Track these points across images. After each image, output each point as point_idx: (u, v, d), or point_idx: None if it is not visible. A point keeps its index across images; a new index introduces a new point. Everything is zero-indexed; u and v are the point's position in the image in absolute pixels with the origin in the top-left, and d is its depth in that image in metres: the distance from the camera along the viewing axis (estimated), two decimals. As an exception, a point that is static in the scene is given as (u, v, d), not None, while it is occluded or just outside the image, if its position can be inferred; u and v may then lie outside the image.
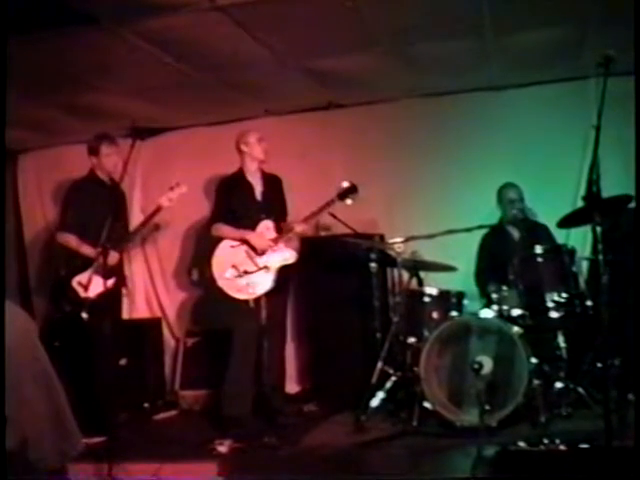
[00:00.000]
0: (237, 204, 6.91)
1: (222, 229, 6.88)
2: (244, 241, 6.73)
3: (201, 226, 8.34)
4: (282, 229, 6.78)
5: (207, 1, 5.62)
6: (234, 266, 6.71)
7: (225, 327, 6.92)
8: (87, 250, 6.66)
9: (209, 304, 8.05)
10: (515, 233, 7.41)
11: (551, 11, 6.23)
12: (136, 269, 9.04)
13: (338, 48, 6.84)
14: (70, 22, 5.69)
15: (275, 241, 6.70)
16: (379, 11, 6.05)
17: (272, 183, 7.06)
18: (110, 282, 6.41)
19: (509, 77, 7.94)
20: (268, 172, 7.10)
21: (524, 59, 7.34)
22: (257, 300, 6.65)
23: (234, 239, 6.79)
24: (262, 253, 6.68)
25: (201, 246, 7.53)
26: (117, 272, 6.84)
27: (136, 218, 8.17)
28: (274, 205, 6.96)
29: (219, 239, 6.88)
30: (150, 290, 9.15)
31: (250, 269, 6.67)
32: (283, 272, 6.75)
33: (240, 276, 6.66)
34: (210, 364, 7.76)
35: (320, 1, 5.78)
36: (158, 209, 6.94)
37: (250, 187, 6.95)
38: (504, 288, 6.52)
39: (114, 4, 5.59)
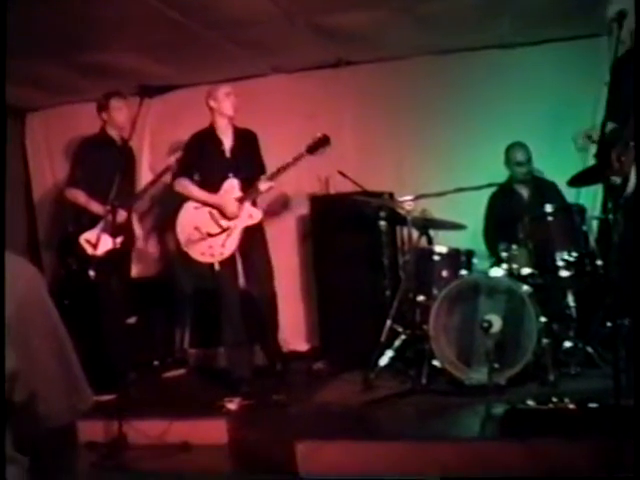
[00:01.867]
0: (204, 161, 6.76)
1: (187, 186, 6.75)
2: (209, 204, 6.63)
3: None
4: (248, 188, 6.61)
5: (215, -44, 5.58)
6: (197, 228, 6.63)
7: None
8: (95, 207, 6.67)
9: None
10: (524, 192, 7.39)
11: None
12: (147, 228, 9.03)
13: (347, 4, 6.79)
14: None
15: (240, 200, 6.56)
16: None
17: (244, 139, 6.86)
18: (118, 240, 6.42)
19: (520, 35, 7.87)
20: (241, 127, 6.92)
21: (535, 16, 7.28)
22: (224, 262, 6.58)
23: (198, 201, 6.69)
24: (231, 217, 6.55)
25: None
26: (126, 230, 6.85)
27: (145, 177, 8.16)
28: (245, 162, 6.74)
29: (184, 199, 6.78)
30: (160, 249, 9.15)
31: (213, 231, 6.58)
32: (249, 232, 6.62)
33: (203, 239, 6.58)
34: (219, 321, 7.78)
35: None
36: (167, 168, 6.93)
37: (219, 143, 6.78)
38: (514, 247, 6.51)
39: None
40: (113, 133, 6.98)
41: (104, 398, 5.83)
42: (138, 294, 7.84)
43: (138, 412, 5.74)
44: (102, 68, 7.85)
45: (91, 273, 6.39)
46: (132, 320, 7.63)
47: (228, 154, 6.76)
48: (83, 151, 7.10)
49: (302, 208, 8.29)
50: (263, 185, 6.55)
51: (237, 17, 6.88)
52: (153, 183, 7.18)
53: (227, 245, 6.54)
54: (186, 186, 6.74)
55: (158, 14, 6.56)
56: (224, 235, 6.56)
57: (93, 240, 6.53)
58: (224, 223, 6.57)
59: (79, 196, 6.82)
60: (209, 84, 8.22)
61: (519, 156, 7.29)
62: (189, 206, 6.73)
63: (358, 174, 7.21)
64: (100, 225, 6.59)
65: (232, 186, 6.61)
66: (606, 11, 4.97)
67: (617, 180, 4.79)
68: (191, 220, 6.68)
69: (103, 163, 6.72)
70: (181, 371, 8.00)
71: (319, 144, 6.57)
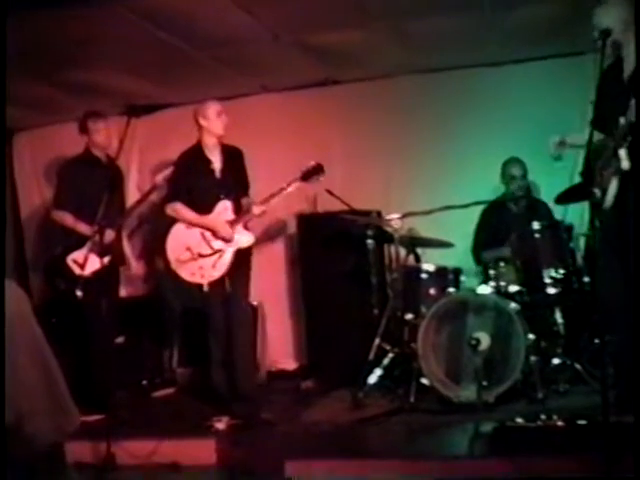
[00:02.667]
0: (194, 182, 6.66)
1: (179, 210, 6.62)
2: (203, 226, 6.55)
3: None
4: (241, 210, 6.54)
5: (202, -24, 5.60)
6: (188, 248, 6.54)
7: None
8: (83, 228, 6.67)
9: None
10: (514, 209, 7.41)
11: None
12: (135, 247, 9.02)
13: (334, 24, 6.82)
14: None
15: (233, 224, 6.47)
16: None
17: (232, 157, 6.76)
18: (106, 260, 6.43)
19: (507, 53, 7.91)
20: (228, 145, 6.81)
21: (522, 34, 7.32)
22: (213, 284, 6.48)
23: (191, 224, 6.59)
24: (225, 240, 6.47)
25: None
26: (114, 250, 6.84)
27: (133, 196, 8.15)
28: (234, 181, 6.67)
29: (175, 219, 6.70)
30: (148, 268, 9.13)
31: (204, 252, 6.50)
32: (239, 255, 6.52)
33: (194, 259, 6.51)
34: (206, 341, 7.77)
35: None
36: (154, 187, 6.93)
37: (208, 162, 6.67)
38: (501, 264, 6.54)
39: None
40: (98, 152, 6.98)
41: (92, 418, 5.83)
42: (126, 314, 7.83)
43: (127, 432, 5.71)
44: (90, 87, 7.86)
45: (79, 293, 6.37)
46: (120, 340, 7.62)
47: (218, 174, 6.66)
48: (68, 172, 7.10)
49: (290, 227, 8.30)
50: (256, 209, 6.46)
51: (225, 37, 6.90)
52: (140, 202, 7.17)
53: (218, 267, 6.45)
54: (178, 210, 6.63)
55: (146, 34, 6.58)
56: (215, 256, 6.48)
57: (80, 260, 6.50)
58: (216, 245, 6.49)
59: (66, 218, 6.81)
60: (197, 103, 8.26)
61: (515, 170, 7.32)
62: (180, 226, 6.64)
63: (346, 192, 7.22)
64: (88, 245, 6.57)
65: (225, 208, 6.53)
66: (591, 29, 5.02)
67: (598, 193, 4.83)
68: (182, 240, 6.60)
69: (89, 183, 6.73)
70: (170, 390, 7.97)
71: (313, 172, 6.50)
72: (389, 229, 6.87)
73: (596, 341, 6.11)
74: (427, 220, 6.82)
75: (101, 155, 6.99)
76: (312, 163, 6.52)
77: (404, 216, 6.79)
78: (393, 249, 7.55)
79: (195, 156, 6.73)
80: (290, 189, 6.49)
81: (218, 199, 6.55)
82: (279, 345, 8.41)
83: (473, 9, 6.64)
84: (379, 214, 7.60)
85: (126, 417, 6.33)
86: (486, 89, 8.15)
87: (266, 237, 8.08)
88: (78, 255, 6.60)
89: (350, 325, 7.50)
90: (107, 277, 6.68)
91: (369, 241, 7.38)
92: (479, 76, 8.21)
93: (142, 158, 9.06)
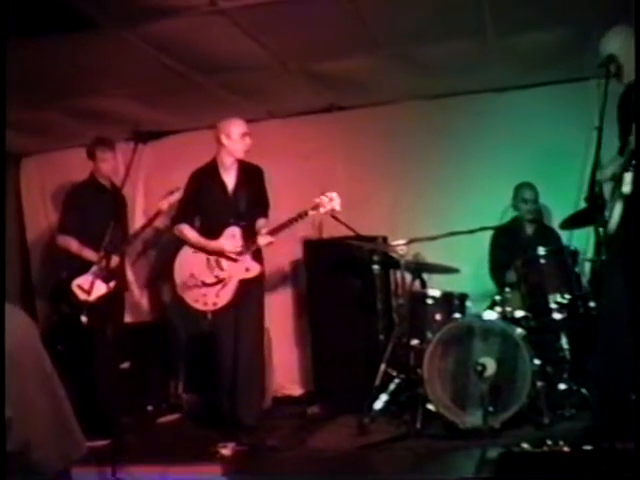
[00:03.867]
0: (205, 203, 6.60)
1: (185, 232, 6.58)
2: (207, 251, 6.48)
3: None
4: (252, 235, 6.42)
5: (208, 4, 5.63)
6: (192, 275, 6.47)
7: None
8: (88, 253, 6.68)
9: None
10: (523, 234, 7.42)
11: (552, 12, 6.24)
12: (140, 272, 9.04)
13: (339, 50, 6.85)
14: (72, 26, 5.70)
15: (239, 253, 6.39)
16: (380, 12, 6.06)
17: (250, 176, 6.64)
18: (111, 285, 6.45)
19: (510, 79, 7.94)
20: (247, 162, 6.70)
21: (525, 60, 7.36)
22: (216, 313, 6.45)
23: (196, 247, 6.53)
24: (227, 269, 6.40)
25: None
26: (118, 275, 6.86)
27: (139, 222, 8.17)
28: (249, 202, 6.55)
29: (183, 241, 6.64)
30: (154, 293, 9.14)
31: (208, 280, 6.43)
32: (245, 285, 6.44)
33: (197, 286, 6.44)
34: (213, 367, 7.76)
35: (321, 3, 5.79)
36: (158, 213, 6.93)
37: (221, 183, 6.59)
38: (507, 290, 6.55)
39: (116, 8, 5.60)
40: (103, 179, 7.01)
41: (98, 444, 5.81)
42: (132, 339, 7.85)
43: (132, 458, 5.70)
44: (97, 113, 7.90)
45: (84, 319, 6.36)
46: (126, 365, 7.61)
47: (231, 195, 6.58)
48: (73, 197, 7.13)
49: (296, 252, 8.30)
50: (262, 240, 6.36)
51: (231, 64, 6.94)
52: (144, 228, 7.18)
53: (221, 296, 6.40)
54: (185, 233, 6.58)
55: (153, 60, 6.63)
56: (219, 286, 6.42)
57: (86, 286, 6.50)
58: (220, 274, 6.43)
59: (71, 243, 6.83)
60: (204, 130, 8.28)
61: (527, 194, 7.37)
62: (188, 249, 6.59)
63: (351, 218, 7.21)
64: (93, 270, 6.58)
65: (233, 234, 6.44)
66: (597, 55, 5.06)
67: (606, 217, 4.86)
68: (188, 265, 6.54)
69: (93, 209, 6.77)
70: (175, 416, 7.95)
71: (326, 204, 6.42)
72: (395, 255, 6.87)
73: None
74: (433, 246, 6.84)
75: (106, 182, 7.02)
76: (326, 195, 6.46)
77: (410, 242, 6.80)
78: (399, 275, 7.53)
79: (208, 175, 6.64)
80: (299, 220, 6.41)
81: (228, 224, 6.46)
82: (285, 370, 8.40)
83: (477, 35, 6.67)
84: (385, 240, 7.60)
85: (132, 443, 6.33)
86: (491, 114, 8.17)
87: (272, 263, 8.07)
88: (83, 280, 6.61)
89: (356, 351, 7.49)
90: (112, 302, 6.70)
91: (375, 267, 7.40)
92: (484, 101, 8.24)
93: (148, 184, 9.09)
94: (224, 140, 6.52)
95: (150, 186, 9.05)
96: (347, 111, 8.63)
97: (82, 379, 6.54)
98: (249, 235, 6.46)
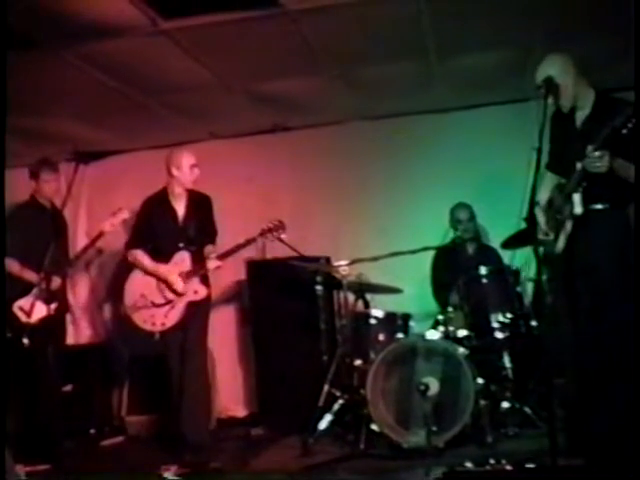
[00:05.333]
0: (156, 229, 6.65)
1: (137, 256, 6.61)
2: (157, 276, 6.53)
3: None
4: (200, 261, 6.48)
5: (151, 25, 5.63)
6: (143, 295, 6.51)
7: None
8: (29, 275, 6.59)
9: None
10: (464, 254, 7.48)
11: (494, 34, 6.33)
12: (81, 294, 8.96)
13: (283, 71, 6.89)
14: (14, 45, 5.66)
15: (187, 276, 6.43)
16: (323, 34, 6.10)
17: (198, 205, 6.71)
18: (52, 307, 6.37)
19: (453, 99, 8.03)
20: (195, 191, 6.75)
21: (468, 82, 7.45)
22: (164, 333, 6.45)
23: (147, 272, 6.57)
24: (176, 292, 6.44)
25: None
26: (59, 297, 6.78)
27: (81, 242, 8.10)
28: (198, 229, 6.61)
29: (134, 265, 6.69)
30: (96, 315, 9.06)
31: (157, 301, 6.47)
32: (193, 307, 6.47)
33: (147, 307, 6.48)
34: (157, 389, 7.70)
35: (264, 25, 5.81)
36: (100, 234, 6.85)
37: (172, 211, 6.64)
38: (449, 309, 6.58)
39: (57, 28, 5.57)
40: (43, 200, 6.91)
41: (39, 468, 5.74)
42: (75, 362, 7.76)
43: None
44: (38, 133, 7.86)
45: (25, 341, 6.28)
46: (68, 388, 7.53)
47: (181, 222, 6.62)
48: (13, 219, 7.01)
49: (239, 273, 8.28)
50: (211, 264, 6.43)
51: (174, 84, 6.93)
52: (87, 249, 7.10)
53: (170, 317, 6.42)
54: (137, 257, 6.61)
55: (94, 80, 6.61)
56: (168, 307, 6.45)
57: (27, 308, 6.42)
58: (169, 295, 6.46)
59: (12, 265, 6.73)
60: (146, 150, 8.25)
61: (461, 214, 7.43)
62: (138, 273, 6.63)
63: (295, 239, 7.20)
64: (34, 292, 6.50)
65: (182, 259, 6.49)
66: (534, 78, 5.16)
67: (550, 237, 4.93)
68: (138, 287, 6.57)
69: (34, 230, 6.67)
70: (119, 439, 7.87)
71: (273, 230, 6.48)
72: (338, 275, 6.88)
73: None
74: (376, 266, 6.83)
75: (47, 203, 6.93)
76: (274, 222, 6.50)
77: (352, 262, 6.81)
78: (342, 295, 7.56)
79: (159, 203, 6.69)
80: (248, 245, 6.50)
81: (178, 249, 6.51)
82: (229, 392, 8.36)
83: (420, 56, 6.75)
84: (328, 260, 7.62)
85: (74, 466, 6.25)
86: (434, 135, 8.25)
87: (215, 284, 8.04)
88: (24, 302, 6.52)
89: (299, 371, 7.46)
90: (53, 324, 6.61)
91: (318, 287, 7.39)
92: (427, 122, 8.31)
93: (90, 204, 9.02)
94: (174, 171, 6.58)
95: (92, 207, 8.99)
96: (291, 132, 8.65)
97: (23, 402, 6.46)
98: (198, 259, 6.51)
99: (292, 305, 7.67)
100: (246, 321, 8.28)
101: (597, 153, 4.63)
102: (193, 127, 8.34)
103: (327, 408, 6.57)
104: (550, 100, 5.03)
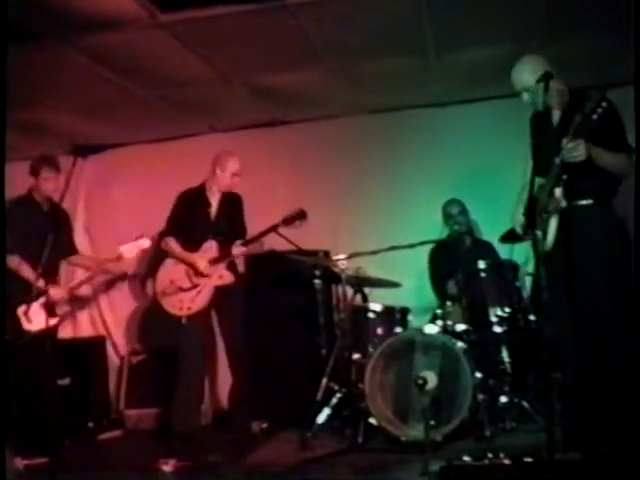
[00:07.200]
0: (191, 221, 6.89)
1: (170, 244, 6.86)
2: (186, 262, 6.76)
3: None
4: (224, 250, 6.72)
5: (150, 18, 5.63)
6: (172, 281, 6.76)
7: (170, 344, 6.89)
8: (26, 272, 6.47)
9: (154, 321, 7.95)
10: (461, 248, 7.47)
11: (491, 29, 6.33)
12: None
13: (282, 65, 6.89)
14: (11, 38, 5.65)
15: (213, 262, 6.68)
16: (323, 29, 6.09)
17: (230, 202, 6.99)
18: (53, 321, 6.39)
19: (451, 94, 8.02)
20: (230, 191, 7.00)
21: (466, 76, 7.44)
22: (191, 317, 6.66)
23: (177, 258, 6.81)
24: (202, 275, 6.68)
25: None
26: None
27: (80, 237, 8.11)
28: (227, 225, 6.88)
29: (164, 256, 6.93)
30: (94, 308, 9.06)
31: (185, 286, 6.72)
32: (220, 292, 6.73)
33: (175, 292, 6.71)
34: (155, 382, 7.72)
35: (263, 18, 5.80)
36: (119, 258, 6.75)
37: (207, 205, 6.90)
38: (448, 304, 6.58)
39: (56, 21, 5.57)
40: (39, 198, 6.78)
41: (37, 461, 5.74)
42: (73, 355, 7.76)
43: (72, 475, 5.64)
44: (37, 127, 7.84)
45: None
46: (66, 381, 7.52)
47: (213, 217, 6.90)
48: (9, 214, 6.83)
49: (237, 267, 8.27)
50: (236, 250, 6.68)
51: (173, 77, 6.93)
52: (85, 282, 7.10)
53: (196, 301, 6.66)
54: (170, 245, 6.86)
55: (94, 74, 6.60)
56: (194, 291, 6.69)
57: (30, 315, 6.34)
58: (196, 280, 6.71)
59: (12, 261, 6.58)
60: (145, 144, 8.24)
61: (452, 209, 7.44)
62: (170, 261, 6.88)
63: (293, 232, 7.20)
64: (40, 301, 6.37)
65: (210, 247, 6.75)
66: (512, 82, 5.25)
67: (539, 235, 4.92)
68: (168, 274, 6.83)
69: (30, 228, 6.52)
70: (117, 432, 7.87)
71: (295, 217, 6.68)
72: (336, 269, 6.88)
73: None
74: (374, 260, 6.83)
75: (42, 200, 6.77)
76: (297, 209, 6.70)
77: (351, 256, 6.82)
78: (340, 289, 7.56)
79: (196, 197, 6.96)
80: (271, 232, 6.73)
81: (207, 239, 6.77)
82: (228, 385, 8.35)
83: (418, 51, 6.74)
84: (326, 254, 7.62)
85: (72, 460, 6.24)
86: (432, 129, 8.24)
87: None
88: (28, 308, 6.39)
89: (298, 365, 7.48)
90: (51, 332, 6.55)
91: (317, 281, 7.40)
92: (425, 116, 8.31)
93: (89, 198, 9.00)
94: (217, 171, 6.90)
95: (91, 200, 8.98)
96: (290, 125, 8.65)
97: (19, 396, 6.44)
98: (225, 248, 6.73)
99: (290, 299, 7.67)
100: (244, 314, 8.26)
101: (571, 144, 4.64)
102: (192, 120, 8.33)
103: (325, 402, 6.58)
104: (527, 99, 5.24)
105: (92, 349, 8.43)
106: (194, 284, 6.71)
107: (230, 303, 6.82)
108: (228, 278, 6.75)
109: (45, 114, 7.60)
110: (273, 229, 6.69)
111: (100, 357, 8.48)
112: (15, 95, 6.79)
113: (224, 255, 6.70)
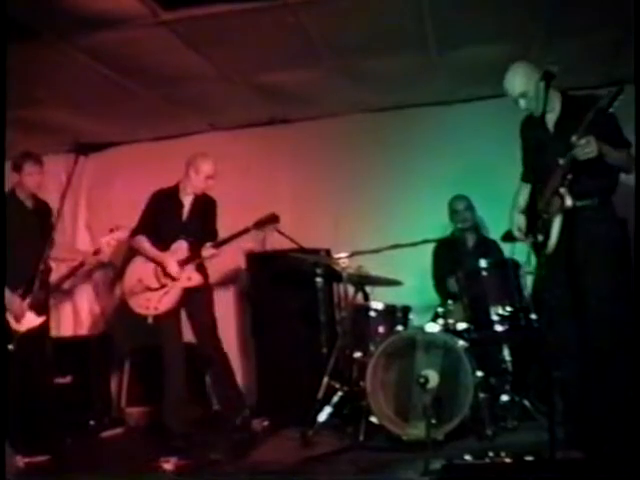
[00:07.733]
0: (162, 220, 6.83)
1: (141, 243, 6.79)
2: (155, 261, 6.72)
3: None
4: (194, 251, 6.66)
5: (151, 16, 5.63)
6: (139, 280, 6.72)
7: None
8: None
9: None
10: (464, 246, 7.47)
11: (494, 27, 6.33)
12: (80, 286, 8.96)
13: (283, 63, 6.88)
14: (12, 36, 5.65)
15: (182, 263, 6.61)
16: (324, 27, 6.10)
17: (203, 204, 6.92)
18: (41, 320, 6.36)
19: (454, 92, 8.02)
20: (204, 194, 6.93)
21: (468, 74, 7.44)
22: (161, 318, 6.62)
23: (146, 256, 6.76)
24: (171, 276, 6.62)
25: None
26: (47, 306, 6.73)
27: (81, 234, 8.11)
28: (198, 227, 6.81)
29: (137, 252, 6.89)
30: (95, 306, 9.06)
31: (152, 286, 6.67)
32: (193, 293, 6.69)
33: (142, 291, 6.68)
34: (156, 380, 7.70)
35: (264, 16, 5.80)
36: (97, 252, 6.72)
37: (179, 206, 6.84)
38: (449, 302, 6.58)
39: (57, 19, 5.56)
40: (23, 195, 6.62)
41: (39, 459, 5.74)
42: (74, 353, 7.76)
43: (74, 473, 5.65)
44: (38, 124, 7.84)
45: (11, 347, 6.18)
46: (67, 380, 7.52)
47: (185, 218, 6.83)
48: None
49: (239, 265, 8.28)
50: (206, 252, 6.63)
51: (174, 75, 6.93)
52: (68, 277, 7.06)
53: (163, 302, 6.59)
54: (140, 242, 6.78)
55: (95, 72, 6.60)
56: (161, 292, 6.62)
57: (18, 314, 6.31)
58: (164, 280, 6.64)
59: None
60: (146, 142, 8.23)
61: (457, 205, 7.43)
62: (139, 259, 6.83)
63: (294, 231, 7.21)
64: (27, 300, 6.34)
65: (180, 247, 6.67)
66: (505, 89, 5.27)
67: (540, 238, 4.92)
68: (137, 272, 6.78)
69: (13, 228, 6.44)
70: (118, 430, 7.87)
71: (267, 221, 6.66)
72: (338, 267, 6.87)
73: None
74: (376, 258, 6.83)
75: (26, 198, 6.64)
76: (267, 213, 6.66)
77: (352, 254, 6.82)
78: (342, 287, 7.56)
79: (169, 197, 6.89)
80: (242, 235, 6.66)
81: (177, 239, 6.68)
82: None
83: (420, 49, 6.73)
84: (328, 252, 7.61)
85: (73, 458, 6.24)
86: (434, 128, 8.24)
87: (215, 275, 8.05)
88: (16, 307, 6.35)
89: (299, 363, 7.47)
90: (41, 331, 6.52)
91: (318, 279, 7.40)
92: (427, 115, 8.31)
93: (90, 196, 9.01)
94: (191, 173, 6.78)
95: (92, 198, 8.98)
96: (290, 124, 8.65)
97: (20, 395, 6.44)
98: (195, 249, 6.66)
99: (292, 297, 7.68)
100: (246, 313, 8.27)
101: (583, 140, 4.63)
102: (193, 118, 8.34)
103: (327, 400, 6.56)
104: (524, 105, 5.28)
105: (93, 347, 8.42)
106: (162, 284, 6.65)
107: (200, 304, 6.79)
108: (197, 280, 6.70)
109: (47, 112, 7.60)
110: (245, 232, 6.64)
111: (101, 355, 8.47)
112: (16, 93, 6.81)
113: (193, 256, 6.64)
